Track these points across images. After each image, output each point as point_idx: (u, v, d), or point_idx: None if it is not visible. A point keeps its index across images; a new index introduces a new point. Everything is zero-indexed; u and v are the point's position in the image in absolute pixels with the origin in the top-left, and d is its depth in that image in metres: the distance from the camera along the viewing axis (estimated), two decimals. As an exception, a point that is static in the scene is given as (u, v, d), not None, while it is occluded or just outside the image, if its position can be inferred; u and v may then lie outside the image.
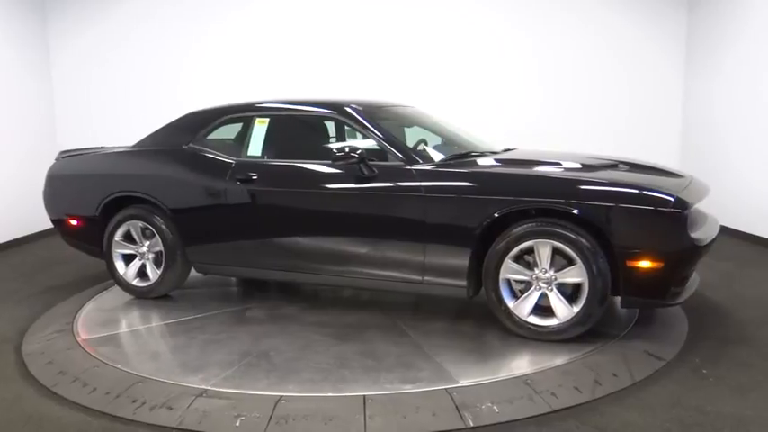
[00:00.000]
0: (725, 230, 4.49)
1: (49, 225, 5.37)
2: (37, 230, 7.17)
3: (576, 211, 3.43)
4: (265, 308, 4.42)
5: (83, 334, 4.02)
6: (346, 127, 4.50)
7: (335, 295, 4.74)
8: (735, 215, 6.24)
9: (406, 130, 4.59)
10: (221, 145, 4.59)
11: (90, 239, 4.86)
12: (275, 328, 4.01)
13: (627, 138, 7.08)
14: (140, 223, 4.59)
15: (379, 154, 3.98)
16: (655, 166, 4.26)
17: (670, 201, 3.34)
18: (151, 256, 4.63)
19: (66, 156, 5.12)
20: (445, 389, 3.06)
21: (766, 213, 5.99)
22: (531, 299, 3.59)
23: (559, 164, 3.99)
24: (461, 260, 3.66)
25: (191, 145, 4.53)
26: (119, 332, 4.10)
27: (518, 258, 3.59)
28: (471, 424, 2.77)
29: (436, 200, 3.71)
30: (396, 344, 3.66)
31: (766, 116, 5.91)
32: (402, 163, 3.87)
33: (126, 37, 7.68)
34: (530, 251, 3.56)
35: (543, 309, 3.59)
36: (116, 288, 4.85)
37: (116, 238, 4.67)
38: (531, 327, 3.59)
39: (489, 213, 3.57)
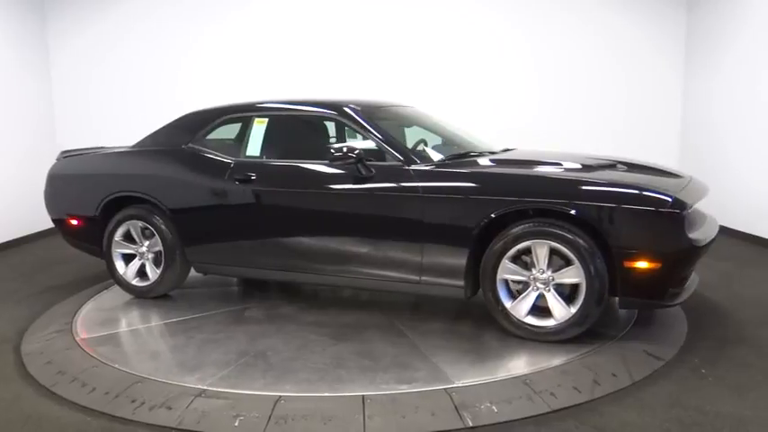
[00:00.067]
0: (724, 230, 4.49)
1: (49, 225, 5.38)
2: (36, 230, 7.17)
3: (573, 212, 3.43)
4: (264, 308, 4.42)
5: (82, 334, 4.02)
6: (346, 127, 4.50)
7: (335, 295, 4.74)
8: (733, 215, 6.25)
9: (406, 130, 4.59)
10: (220, 145, 4.59)
11: (90, 239, 4.87)
12: (273, 327, 4.01)
13: (626, 138, 7.08)
14: (140, 223, 4.59)
15: (378, 154, 3.98)
16: (654, 166, 4.25)
17: (668, 201, 3.34)
18: (151, 255, 4.63)
19: (66, 156, 5.13)
20: (444, 389, 3.06)
21: (765, 213, 5.99)
22: (529, 299, 3.59)
23: (557, 164, 3.98)
24: (459, 260, 3.66)
25: (190, 145, 4.54)
26: (117, 332, 4.10)
27: (516, 259, 3.59)
28: (470, 424, 2.77)
29: (434, 200, 3.71)
30: (393, 344, 3.66)
31: (765, 116, 5.92)
32: (400, 163, 3.87)
33: (125, 37, 7.68)
34: (527, 251, 3.55)
35: (541, 309, 3.59)
36: (115, 288, 4.85)
37: (116, 238, 4.68)
38: (529, 327, 3.58)
39: (487, 214, 3.57)
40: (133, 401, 3.05)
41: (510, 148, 4.74)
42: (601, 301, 3.44)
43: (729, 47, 6.46)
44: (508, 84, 7.33)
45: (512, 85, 7.33)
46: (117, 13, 7.68)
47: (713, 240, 3.62)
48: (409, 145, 4.21)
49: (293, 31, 7.43)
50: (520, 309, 3.60)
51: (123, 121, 7.55)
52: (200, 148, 4.51)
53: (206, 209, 4.39)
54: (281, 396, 3.03)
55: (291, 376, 3.27)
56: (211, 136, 4.61)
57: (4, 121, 6.87)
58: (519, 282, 3.63)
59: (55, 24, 7.73)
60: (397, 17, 7.33)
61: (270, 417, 2.85)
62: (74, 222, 4.96)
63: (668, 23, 7.20)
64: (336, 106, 4.28)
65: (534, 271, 3.56)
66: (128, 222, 4.63)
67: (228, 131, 4.65)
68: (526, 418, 2.81)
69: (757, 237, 6.10)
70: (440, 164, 3.93)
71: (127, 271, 4.69)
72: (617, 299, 3.52)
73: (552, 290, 3.54)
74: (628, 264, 3.37)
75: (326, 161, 3.96)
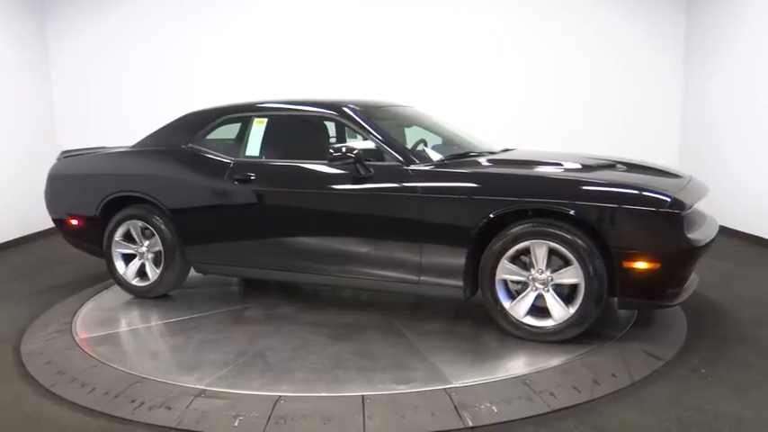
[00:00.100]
0: (723, 230, 4.49)
1: (48, 225, 5.38)
2: (36, 230, 7.17)
3: (572, 212, 3.42)
4: (263, 308, 4.42)
5: (81, 333, 4.02)
6: (346, 127, 4.50)
7: (335, 295, 4.74)
8: (733, 215, 6.25)
9: (406, 130, 4.59)
10: (220, 145, 4.59)
11: (91, 239, 4.87)
12: (272, 327, 4.01)
13: (625, 138, 7.08)
14: (140, 223, 4.60)
15: (378, 154, 3.98)
16: (653, 166, 4.25)
17: (666, 201, 3.33)
18: (150, 255, 4.63)
19: (67, 156, 5.14)
20: (444, 389, 3.06)
21: (765, 213, 5.99)
22: (528, 299, 3.59)
23: (556, 164, 3.98)
24: (457, 260, 3.66)
25: (190, 145, 4.54)
26: (117, 332, 4.10)
27: (515, 259, 3.59)
28: (470, 424, 2.77)
29: (432, 200, 3.71)
30: (391, 344, 3.66)
31: (764, 116, 5.92)
32: (399, 163, 3.87)
33: (124, 37, 7.68)
34: (526, 252, 3.55)
35: (539, 310, 3.59)
36: (115, 288, 4.86)
37: (116, 238, 4.68)
38: (527, 328, 3.58)
39: (485, 214, 3.57)
40: (133, 401, 3.05)
41: (510, 148, 4.74)
42: (600, 302, 3.43)
43: (729, 47, 6.46)
44: (508, 84, 7.33)
45: (512, 85, 7.33)
46: (117, 13, 7.68)
47: (713, 240, 3.61)
48: (409, 145, 4.21)
49: (293, 31, 7.43)
50: (519, 309, 3.60)
51: (123, 120, 7.55)
52: (200, 148, 4.51)
53: (205, 209, 4.39)
54: (280, 396, 3.03)
55: (289, 376, 3.27)
56: (211, 136, 4.61)
57: (3, 120, 6.87)
58: (518, 282, 3.62)
59: (54, 24, 7.73)
60: (397, 17, 7.34)
61: (269, 417, 2.85)
62: (74, 222, 4.96)
63: (668, 23, 7.20)
64: (336, 106, 4.28)
65: (533, 271, 3.55)
66: (128, 222, 4.63)
67: (228, 131, 4.65)
68: (526, 418, 2.81)
69: (757, 237, 6.10)
70: (438, 164, 3.93)
71: (127, 271, 4.70)
72: (616, 299, 3.51)
73: (551, 290, 3.53)
74: (626, 264, 3.36)
75: (326, 161, 3.96)
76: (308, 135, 4.68)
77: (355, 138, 4.37)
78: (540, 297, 3.57)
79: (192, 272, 4.67)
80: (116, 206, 4.70)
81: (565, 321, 3.49)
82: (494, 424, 2.77)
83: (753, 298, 4.49)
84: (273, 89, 6.59)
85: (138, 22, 7.64)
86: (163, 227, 4.50)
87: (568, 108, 7.30)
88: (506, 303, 3.63)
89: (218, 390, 3.13)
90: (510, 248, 3.55)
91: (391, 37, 7.34)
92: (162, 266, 4.55)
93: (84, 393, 3.17)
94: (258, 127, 4.40)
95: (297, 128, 4.61)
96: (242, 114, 4.55)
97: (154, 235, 4.55)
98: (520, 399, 2.96)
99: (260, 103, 4.56)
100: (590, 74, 7.27)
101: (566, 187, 3.56)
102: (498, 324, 3.68)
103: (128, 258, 4.72)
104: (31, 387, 3.33)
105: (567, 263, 3.47)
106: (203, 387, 3.15)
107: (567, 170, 3.90)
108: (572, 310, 3.47)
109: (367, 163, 3.87)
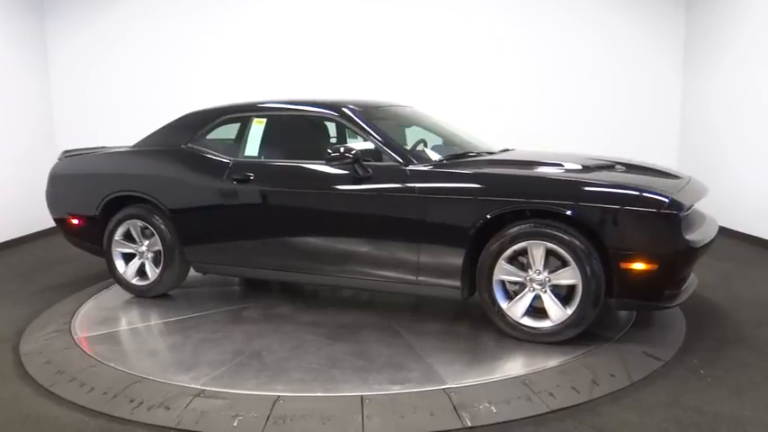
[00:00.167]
0: (722, 231, 4.48)
1: (48, 225, 5.38)
2: (35, 230, 7.16)
3: (569, 213, 3.42)
4: (262, 307, 4.42)
5: (81, 333, 4.02)
6: (345, 127, 4.50)
7: (334, 295, 4.74)
8: (732, 215, 6.24)
9: (406, 130, 4.59)
10: (219, 145, 4.60)
11: (91, 238, 4.88)
12: (269, 327, 4.01)
13: (625, 138, 7.08)
14: (140, 222, 4.60)
15: (377, 154, 3.98)
16: (653, 166, 4.24)
17: (664, 202, 3.32)
18: (150, 255, 4.64)
19: (68, 155, 5.15)
20: (443, 389, 3.06)
21: (764, 214, 5.99)
22: (525, 300, 3.58)
23: (554, 164, 3.96)
24: (455, 261, 3.66)
25: (189, 145, 4.54)
26: (116, 331, 4.10)
27: (512, 259, 3.58)
28: (469, 424, 2.77)
29: (430, 200, 3.70)
30: (388, 345, 3.66)
31: (764, 116, 5.92)
32: (397, 163, 3.87)
33: (124, 36, 7.67)
34: (524, 252, 3.54)
35: (537, 310, 3.58)
36: (115, 287, 4.86)
37: (116, 237, 4.69)
38: (524, 328, 3.58)
39: (482, 214, 3.56)
40: (132, 401, 3.05)
41: (509, 148, 4.73)
42: (597, 303, 3.42)
43: (728, 47, 6.46)
44: (508, 84, 7.33)
45: (511, 85, 7.33)
46: (116, 12, 7.67)
47: (712, 241, 3.60)
48: (409, 145, 4.21)
49: (293, 31, 7.43)
50: (516, 310, 3.59)
51: (122, 120, 7.55)
52: (200, 147, 4.51)
53: (204, 209, 4.39)
54: (279, 396, 3.03)
55: (285, 376, 3.27)
56: (211, 136, 4.61)
57: (3, 120, 6.87)
58: (515, 283, 3.62)
59: (54, 24, 7.73)
60: (397, 17, 7.33)
61: (268, 417, 2.85)
62: (75, 222, 4.97)
63: (667, 23, 7.20)
64: (335, 106, 4.28)
65: (531, 272, 3.55)
66: (128, 222, 4.64)
67: (228, 131, 4.65)
68: (525, 418, 2.81)
69: (756, 237, 6.10)
70: (437, 164, 3.93)
71: (127, 270, 4.70)
72: (613, 300, 3.50)
73: (548, 291, 3.53)
74: (624, 265, 3.35)
75: (324, 161, 3.96)
76: (308, 135, 4.68)
77: (355, 138, 4.37)
78: (537, 298, 3.56)
79: (193, 271, 4.67)
80: (116, 206, 4.71)
81: (562, 322, 3.49)
82: (493, 424, 2.77)
83: (752, 298, 4.49)
84: (273, 89, 6.59)
85: (138, 21, 7.64)
86: (162, 226, 4.50)
87: (568, 108, 7.30)
88: (504, 304, 3.62)
89: (217, 390, 3.13)
90: (507, 249, 3.54)
91: (391, 37, 7.34)
92: (161, 266, 4.55)
93: (83, 393, 3.17)
94: (257, 127, 4.40)
95: (296, 128, 4.60)
96: (241, 114, 4.55)
97: (153, 234, 4.56)
98: (519, 399, 2.96)
99: (260, 103, 4.56)
100: (589, 74, 7.27)
101: (563, 188, 3.55)
102: (495, 325, 3.68)
103: (128, 258, 4.73)
104: (30, 387, 3.32)
105: (564, 264, 3.46)
106: (202, 387, 3.15)
107: (564, 171, 3.88)
108: (569, 311, 3.47)
109: (365, 163, 3.87)
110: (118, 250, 4.71)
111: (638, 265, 3.33)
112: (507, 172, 3.89)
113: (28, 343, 3.93)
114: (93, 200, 4.75)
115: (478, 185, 3.68)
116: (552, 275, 3.51)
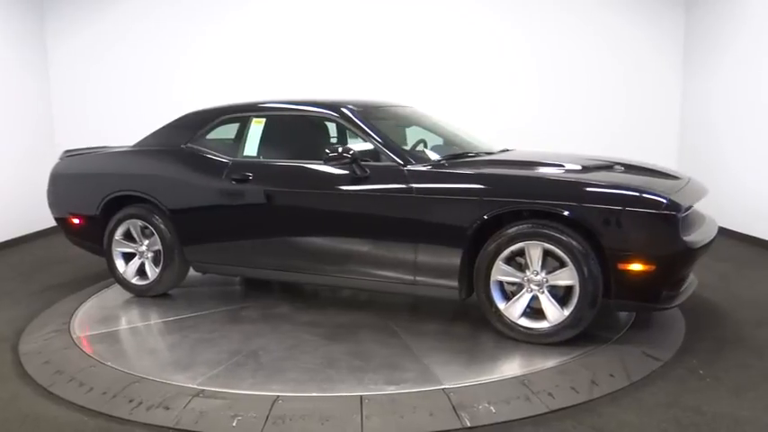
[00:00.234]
0: (722, 231, 4.47)
1: (48, 224, 5.38)
2: (35, 230, 7.16)
3: (566, 213, 3.41)
4: (260, 307, 4.42)
5: (80, 333, 4.02)
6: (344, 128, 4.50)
7: (334, 295, 4.74)
8: (731, 216, 6.24)
9: (406, 130, 4.59)
10: (219, 145, 4.60)
11: (92, 238, 4.89)
12: (267, 327, 4.01)
13: (624, 138, 7.08)
14: (140, 222, 4.61)
15: (376, 154, 3.98)
16: (652, 167, 4.23)
17: (663, 202, 3.31)
18: (150, 254, 4.64)
19: (69, 155, 5.15)
20: (442, 389, 3.06)
21: (763, 214, 5.99)
22: (522, 301, 3.57)
23: (552, 165, 3.96)
24: (453, 261, 3.65)
25: (189, 145, 4.54)
26: (115, 329, 4.10)
27: (510, 260, 3.57)
28: (468, 424, 2.77)
29: (427, 200, 3.70)
30: (385, 345, 3.66)
31: (763, 117, 5.92)
32: (395, 164, 3.86)
33: (123, 36, 7.67)
34: (522, 253, 3.54)
35: (535, 311, 3.58)
36: (115, 287, 4.86)
37: (116, 237, 4.70)
38: (522, 329, 3.57)
39: (480, 215, 3.56)
40: (131, 401, 3.05)
41: (508, 148, 4.73)
42: (594, 304, 3.41)
43: (728, 47, 6.47)
44: (508, 84, 7.33)
45: (511, 85, 7.33)
46: (115, 12, 7.67)
47: (711, 242, 3.59)
48: (409, 145, 4.21)
49: (293, 31, 7.43)
50: (513, 310, 3.58)
51: (122, 120, 7.54)
52: (199, 147, 4.51)
53: (204, 208, 4.39)
54: (278, 396, 3.03)
55: (281, 376, 3.27)
56: (210, 136, 4.61)
57: (3, 120, 6.87)
58: (513, 283, 3.61)
59: (53, 24, 7.72)
60: (397, 17, 7.33)
61: (267, 417, 2.85)
62: (75, 221, 4.98)
63: (667, 24, 7.21)
64: (334, 106, 4.28)
65: (528, 272, 3.54)
66: (128, 221, 4.64)
67: (228, 131, 4.65)
68: (524, 418, 2.81)
69: (755, 238, 6.10)
70: (435, 164, 3.92)
71: (127, 269, 4.71)
72: (611, 301, 3.49)
73: (546, 292, 3.52)
74: (622, 266, 3.34)
75: (322, 161, 3.96)
76: (307, 135, 4.68)
77: (355, 138, 4.37)
78: (535, 299, 3.56)
79: (193, 271, 4.67)
80: (117, 205, 4.71)
81: (559, 323, 3.48)
82: (492, 424, 2.77)
83: (751, 299, 4.49)
84: (273, 89, 6.58)
85: (137, 21, 7.64)
86: (162, 226, 4.50)
87: (568, 108, 7.30)
88: (501, 305, 3.61)
89: (216, 390, 3.12)
90: (505, 249, 3.53)
91: (391, 37, 7.34)
92: (161, 265, 4.56)
93: (82, 393, 3.17)
94: (256, 127, 4.40)
95: (295, 128, 4.60)
96: (241, 114, 4.55)
97: (153, 234, 4.56)
98: (518, 399, 2.96)
99: (259, 103, 4.56)
100: (589, 74, 7.27)
101: (560, 188, 3.54)
102: (493, 325, 3.67)
103: (128, 257, 4.73)
104: (29, 387, 3.32)
105: (562, 264, 3.45)
106: (202, 387, 3.15)
107: (562, 171, 3.88)
108: (566, 312, 3.46)
109: (363, 163, 3.86)
110: (118, 250, 4.72)
111: (636, 266, 3.32)
112: (505, 172, 3.87)
113: (27, 343, 3.93)
114: (94, 199, 4.76)
115: (476, 186, 3.67)
116: (550, 276, 3.50)
